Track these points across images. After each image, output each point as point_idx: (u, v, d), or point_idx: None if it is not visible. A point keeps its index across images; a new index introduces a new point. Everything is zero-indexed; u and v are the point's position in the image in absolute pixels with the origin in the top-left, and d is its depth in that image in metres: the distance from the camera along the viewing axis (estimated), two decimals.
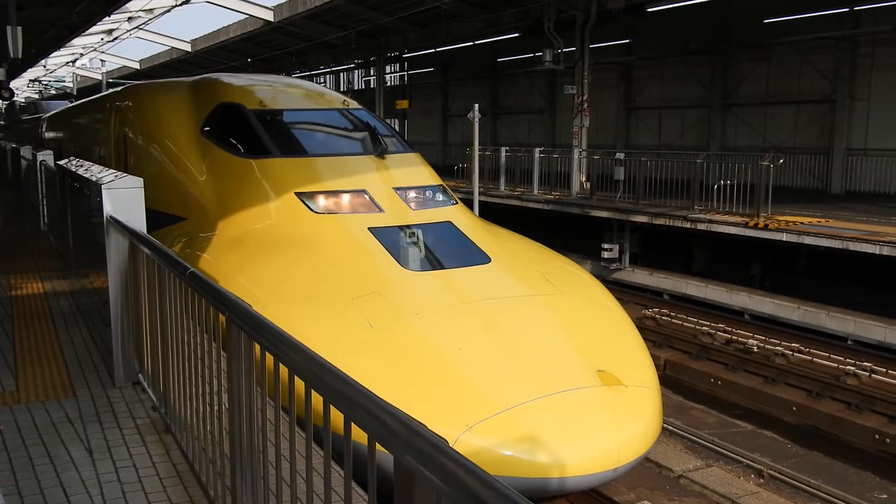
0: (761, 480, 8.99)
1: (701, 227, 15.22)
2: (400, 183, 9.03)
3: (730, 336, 13.09)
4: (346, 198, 8.61)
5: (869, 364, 11.30)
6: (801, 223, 13.99)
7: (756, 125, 22.52)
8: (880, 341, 12.23)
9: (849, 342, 12.57)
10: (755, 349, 12.37)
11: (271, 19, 28.50)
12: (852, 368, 11.15)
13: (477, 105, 16.85)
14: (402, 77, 38.67)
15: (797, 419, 10.64)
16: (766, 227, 14.01)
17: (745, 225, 14.41)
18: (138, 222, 5.23)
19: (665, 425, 8.99)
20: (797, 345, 12.29)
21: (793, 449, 10.00)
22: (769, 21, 21.04)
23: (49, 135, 22.95)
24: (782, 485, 8.89)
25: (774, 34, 21.00)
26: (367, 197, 8.61)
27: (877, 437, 9.76)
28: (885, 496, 8.78)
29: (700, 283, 15.65)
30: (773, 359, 12.02)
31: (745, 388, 11.53)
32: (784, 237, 13.74)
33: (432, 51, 32.80)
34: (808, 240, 13.37)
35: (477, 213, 14.12)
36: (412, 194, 8.97)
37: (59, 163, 10.34)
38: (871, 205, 17.08)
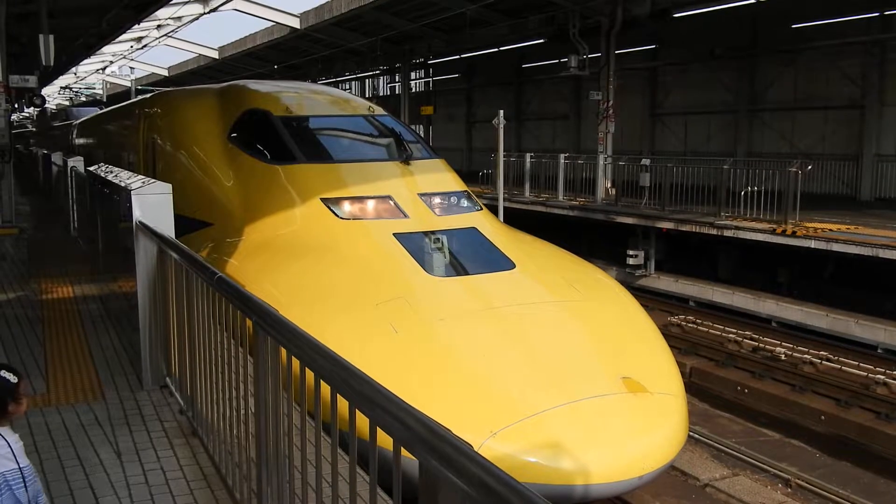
0: (789, 490, 8.88)
1: (727, 233, 15.08)
2: (425, 189, 9.06)
3: (756, 344, 12.96)
4: (371, 204, 8.65)
5: None
6: (830, 230, 13.82)
7: (783, 131, 22.26)
8: None
9: (879, 350, 12.39)
10: (782, 357, 12.23)
11: (298, 27, 28.70)
12: (882, 377, 10.99)
13: (502, 111, 16.83)
14: (426, 83, 38.79)
15: (825, 428, 10.50)
16: (793, 234, 13.85)
17: (773, 232, 14.25)
18: (167, 227, 5.29)
19: (691, 433, 8.91)
20: (825, 353, 12.13)
21: (821, 458, 9.87)
22: (797, 26, 20.82)
23: (79, 141, 23.25)
24: (810, 494, 8.78)
25: (802, 39, 20.77)
26: (392, 203, 8.64)
27: None
28: None
29: (726, 290, 15.51)
30: (801, 367, 11.87)
31: (772, 396, 11.41)
32: (812, 244, 13.57)
33: (457, 57, 32.84)
34: (836, 247, 13.20)
35: (501, 218, 14.10)
36: (437, 200, 8.98)
37: (89, 168, 10.49)
38: None
